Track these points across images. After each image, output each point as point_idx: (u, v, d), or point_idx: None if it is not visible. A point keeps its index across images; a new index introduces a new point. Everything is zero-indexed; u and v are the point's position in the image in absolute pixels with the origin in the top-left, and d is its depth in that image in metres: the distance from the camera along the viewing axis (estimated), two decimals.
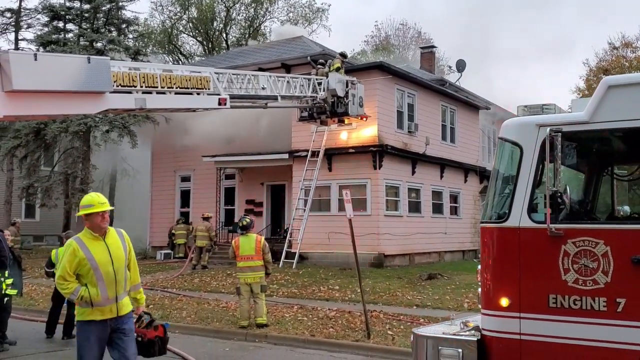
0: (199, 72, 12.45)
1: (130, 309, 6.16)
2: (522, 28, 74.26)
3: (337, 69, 17.47)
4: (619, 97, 5.13)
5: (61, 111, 10.54)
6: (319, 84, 16.48)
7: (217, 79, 12.62)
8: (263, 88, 14.18)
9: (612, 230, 5.15)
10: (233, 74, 13.45)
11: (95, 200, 6.01)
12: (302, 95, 15.95)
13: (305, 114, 17.68)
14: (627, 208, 7.00)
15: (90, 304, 5.84)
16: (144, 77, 11.02)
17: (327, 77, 16.94)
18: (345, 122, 18.86)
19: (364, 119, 18.73)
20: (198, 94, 12.18)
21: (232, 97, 13.02)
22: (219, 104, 12.58)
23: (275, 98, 14.73)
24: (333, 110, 17.16)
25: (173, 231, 26.34)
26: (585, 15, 73.30)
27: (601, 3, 71.11)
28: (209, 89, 12.32)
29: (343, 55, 19.43)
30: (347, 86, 17.14)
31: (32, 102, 9.51)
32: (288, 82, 15.24)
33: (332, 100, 16.92)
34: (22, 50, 30.71)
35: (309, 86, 16.06)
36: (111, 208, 6.31)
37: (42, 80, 9.36)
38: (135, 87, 10.89)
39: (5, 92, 9.09)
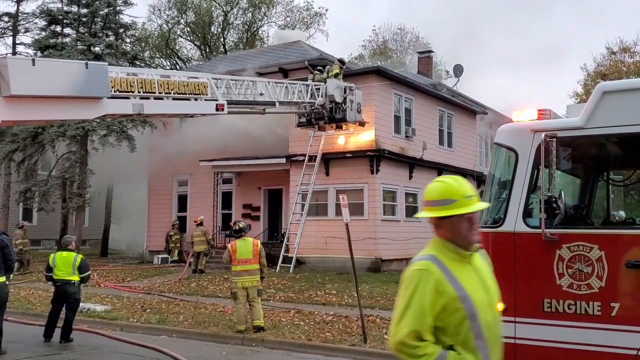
0: (197, 77, 12.46)
1: None
2: (520, 31, 74.49)
3: (336, 75, 17.49)
4: (613, 103, 5.18)
5: (59, 116, 10.58)
6: (317, 89, 16.49)
7: (215, 84, 12.63)
8: (261, 94, 14.19)
9: (606, 235, 5.19)
10: (231, 80, 13.47)
11: (458, 192, 3.13)
12: (300, 101, 15.95)
13: (304, 119, 17.69)
14: (622, 213, 7.03)
15: None
16: (141, 82, 11.04)
17: (325, 82, 16.97)
18: (343, 128, 18.88)
19: (362, 125, 18.76)
20: (196, 99, 12.18)
21: (230, 102, 13.04)
22: (217, 109, 12.59)
23: (273, 104, 14.75)
24: (331, 116, 17.17)
25: (170, 234, 26.35)
26: (582, 19, 73.53)
27: (598, 6, 71.37)
28: (206, 95, 12.32)
29: (341, 61, 19.43)
30: (345, 92, 17.15)
31: (30, 107, 9.53)
32: (286, 87, 15.25)
33: (330, 106, 16.93)
34: (19, 54, 30.76)
35: (307, 92, 16.07)
36: (486, 205, 4.02)
37: (40, 85, 9.38)
38: (133, 92, 10.91)
39: (3, 97, 9.12)
